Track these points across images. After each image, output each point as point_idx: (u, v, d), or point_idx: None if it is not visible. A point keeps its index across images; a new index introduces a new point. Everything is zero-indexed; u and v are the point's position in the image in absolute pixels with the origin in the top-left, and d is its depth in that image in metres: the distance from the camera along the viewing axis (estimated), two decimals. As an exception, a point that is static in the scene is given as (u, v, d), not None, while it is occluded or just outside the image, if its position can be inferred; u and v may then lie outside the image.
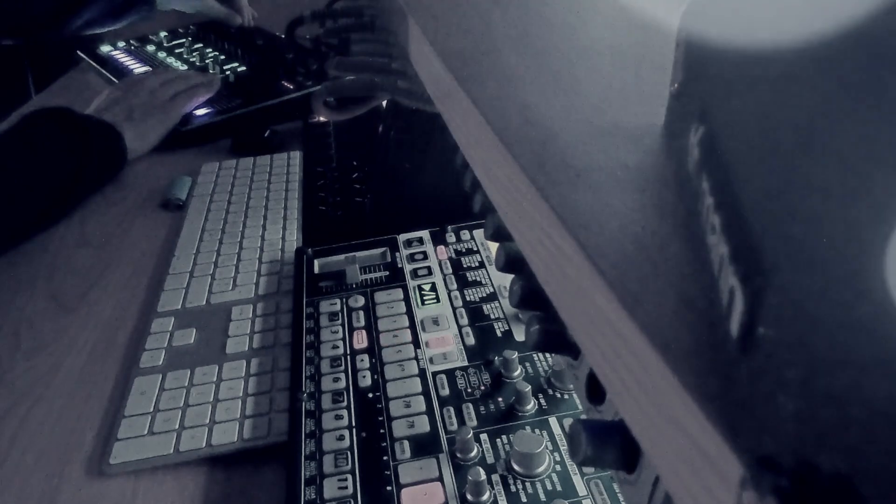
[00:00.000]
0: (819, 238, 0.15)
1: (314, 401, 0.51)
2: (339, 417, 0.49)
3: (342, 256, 0.66)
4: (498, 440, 0.46)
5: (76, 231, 0.81)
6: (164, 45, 1.26)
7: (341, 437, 0.48)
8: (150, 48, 1.25)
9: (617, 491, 0.42)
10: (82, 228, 0.81)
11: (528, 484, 0.43)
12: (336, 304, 0.60)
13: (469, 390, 0.51)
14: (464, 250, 0.66)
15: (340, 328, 0.58)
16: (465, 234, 0.68)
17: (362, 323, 0.58)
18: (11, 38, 1.21)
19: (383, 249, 0.67)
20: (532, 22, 0.36)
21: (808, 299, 0.13)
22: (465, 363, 0.53)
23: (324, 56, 0.89)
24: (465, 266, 0.64)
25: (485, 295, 0.60)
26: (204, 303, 0.65)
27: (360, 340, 0.56)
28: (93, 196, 0.86)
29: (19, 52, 1.30)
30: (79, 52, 1.27)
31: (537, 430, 0.46)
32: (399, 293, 0.61)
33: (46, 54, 1.33)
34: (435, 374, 0.52)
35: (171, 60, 1.20)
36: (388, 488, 0.44)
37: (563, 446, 0.45)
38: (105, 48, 1.27)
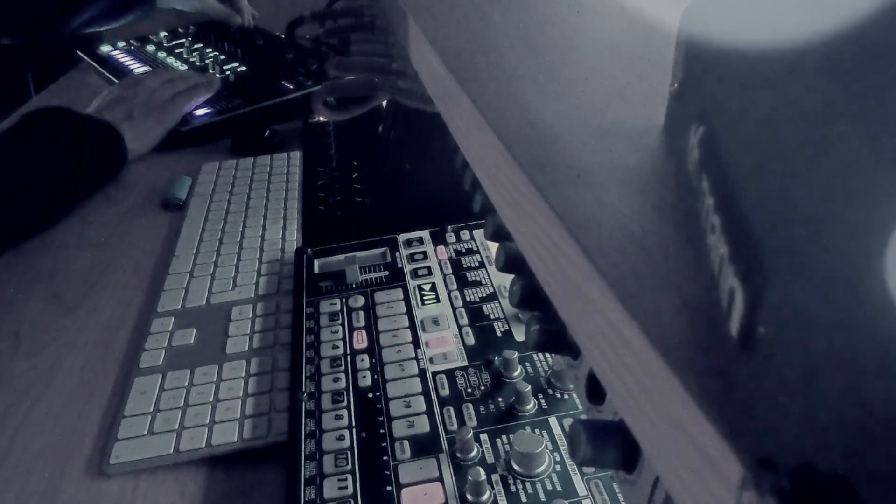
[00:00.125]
0: (819, 238, 0.15)
1: (314, 401, 0.51)
2: (339, 417, 0.49)
3: (342, 256, 0.66)
4: (498, 440, 0.46)
5: (76, 231, 0.81)
6: (164, 45, 1.26)
7: (341, 437, 0.48)
8: (150, 48, 1.25)
9: (617, 491, 0.42)
10: (82, 228, 0.81)
11: (528, 484, 0.43)
12: (336, 304, 0.60)
13: (469, 390, 0.51)
14: (464, 250, 0.66)
15: (340, 328, 0.58)
16: (465, 234, 0.68)
17: (362, 323, 0.58)
18: (11, 38, 1.21)
19: (383, 249, 0.67)
20: (532, 22, 0.36)
21: (807, 299, 0.13)
22: (465, 363, 0.53)
23: (324, 56, 0.89)
24: (465, 266, 0.64)
25: (485, 295, 0.60)
26: (204, 303, 0.65)
27: (360, 340, 0.56)
28: (93, 196, 0.86)
29: (19, 52, 1.30)
30: (79, 52, 1.27)
31: (537, 430, 0.46)
32: (399, 293, 0.61)
33: (46, 54, 1.33)
34: (435, 374, 0.52)
35: (171, 60, 1.20)
36: (388, 488, 0.44)
37: (563, 446, 0.45)
38: (105, 48, 1.27)
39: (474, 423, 0.48)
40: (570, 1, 0.39)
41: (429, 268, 0.64)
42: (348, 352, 0.55)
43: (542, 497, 0.42)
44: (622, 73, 0.29)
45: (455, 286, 0.62)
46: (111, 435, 0.52)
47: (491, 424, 0.48)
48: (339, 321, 0.58)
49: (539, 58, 0.32)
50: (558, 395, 0.49)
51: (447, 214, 0.69)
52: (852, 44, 0.17)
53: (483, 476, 0.42)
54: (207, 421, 0.52)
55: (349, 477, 0.45)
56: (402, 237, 0.68)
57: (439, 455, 0.46)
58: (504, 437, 0.46)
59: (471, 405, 0.49)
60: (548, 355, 0.53)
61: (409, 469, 0.45)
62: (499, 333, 0.56)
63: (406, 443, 0.47)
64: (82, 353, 0.62)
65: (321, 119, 0.93)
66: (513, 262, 0.39)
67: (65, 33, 1.16)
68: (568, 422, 0.47)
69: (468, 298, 0.60)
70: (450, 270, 0.64)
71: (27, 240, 0.78)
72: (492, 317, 0.58)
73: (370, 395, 0.51)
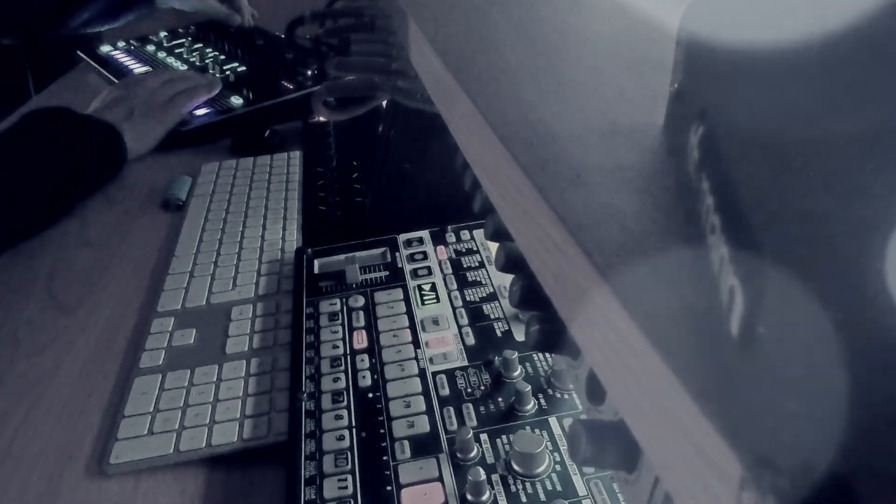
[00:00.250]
0: (819, 238, 0.15)
1: (314, 401, 0.51)
2: (339, 417, 0.49)
3: (342, 256, 0.66)
4: (498, 440, 0.46)
5: (76, 231, 0.81)
6: (164, 45, 1.26)
7: (341, 437, 0.48)
8: (150, 48, 1.25)
9: (617, 491, 0.42)
10: (82, 228, 0.81)
11: (528, 484, 0.43)
12: (336, 304, 0.60)
13: (469, 390, 0.51)
14: (464, 250, 0.66)
15: (340, 328, 0.58)
16: (465, 234, 0.68)
17: (362, 323, 0.58)
18: (11, 38, 1.21)
19: (383, 249, 0.67)
20: (532, 22, 0.36)
21: (807, 299, 0.13)
22: (465, 363, 0.53)
23: (324, 56, 0.89)
24: (465, 266, 0.64)
25: (485, 295, 0.60)
26: (204, 303, 0.65)
27: (360, 340, 0.56)
28: (93, 196, 0.86)
29: (19, 52, 1.30)
30: (79, 52, 1.27)
31: (537, 430, 0.46)
32: (399, 293, 0.61)
33: (46, 54, 1.33)
34: (435, 374, 0.52)
35: (171, 60, 1.20)
36: (388, 488, 0.44)
37: (563, 446, 0.45)
38: (105, 48, 1.27)
39: (474, 423, 0.48)
40: (570, 1, 0.39)
41: (429, 268, 0.64)
42: (348, 352, 0.55)
43: (542, 497, 0.42)
44: (622, 73, 0.29)
45: (455, 286, 0.62)
46: (111, 435, 0.52)
47: (491, 424, 0.48)
48: (339, 321, 0.58)
49: (539, 58, 0.32)
50: (558, 395, 0.49)
51: (447, 214, 0.69)
52: (852, 43, 0.17)
53: (483, 476, 0.42)
54: (207, 421, 0.52)
55: (349, 477, 0.45)
56: (402, 237, 0.68)
57: (439, 455, 0.46)
58: (504, 437, 0.46)
59: (471, 405, 0.49)
60: (548, 355, 0.53)
61: (409, 469, 0.45)
62: (499, 333, 0.56)
63: (406, 443, 0.47)
64: (82, 353, 0.62)
65: (321, 119, 0.93)
66: (513, 262, 0.39)
67: (65, 33, 1.16)
68: (568, 422, 0.47)
69: (468, 298, 0.60)
70: (450, 270, 0.64)
71: (27, 240, 0.78)
72: (492, 317, 0.58)
73: (370, 395, 0.51)
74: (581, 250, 0.19)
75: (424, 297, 0.60)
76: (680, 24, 0.22)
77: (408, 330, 0.57)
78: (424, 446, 0.46)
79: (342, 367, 0.54)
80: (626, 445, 0.26)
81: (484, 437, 0.47)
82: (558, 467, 0.44)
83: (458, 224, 0.69)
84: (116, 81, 1.10)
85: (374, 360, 0.54)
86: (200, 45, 1.24)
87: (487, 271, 0.63)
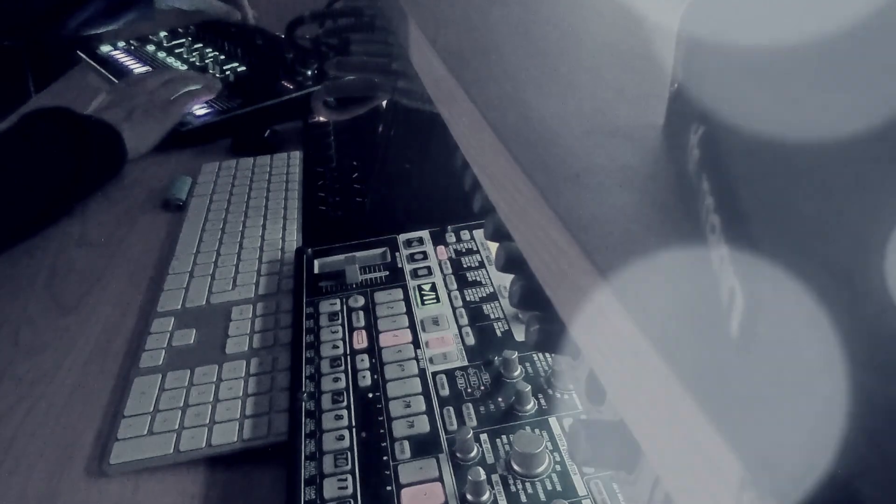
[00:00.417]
0: (819, 237, 0.15)
1: (314, 401, 0.51)
2: (339, 417, 0.49)
3: (342, 256, 0.66)
4: (498, 440, 0.46)
5: (76, 231, 0.81)
6: (164, 45, 1.26)
7: (341, 437, 0.48)
8: (150, 48, 1.25)
9: (617, 491, 0.42)
10: (82, 228, 0.81)
11: (528, 484, 0.43)
12: (336, 304, 0.60)
13: (469, 390, 0.51)
14: (464, 250, 0.66)
15: (340, 328, 0.58)
16: (465, 234, 0.68)
17: (362, 323, 0.58)
18: (11, 38, 1.21)
19: (383, 249, 0.67)
20: (532, 22, 0.36)
21: (807, 299, 0.13)
22: (465, 363, 0.53)
23: (324, 56, 0.89)
24: (465, 266, 0.64)
25: (485, 295, 0.60)
26: (204, 303, 0.65)
27: (360, 340, 0.56)
28: (93, 196, 0.86)
29: (19, 52, 1.30)
30: (79, 52, 1.27)
31: (537, 430, 0.46)
32: (399, 293, 0.61)
33: (46, 54, 1.33)
34: (435, 374, 0.52)
35: (171, 60, 1.19)
36: (388, 488, 0.44)
37: (563, 446, 0.45)
38: (105, 48, 1.27)
39: (474, 423, 0.48)
40: (570, 1, 0.39)
41: (429, 268, 0.64)
42: (348, 352, 0.55)
43: (542, 497, 0.42)
44: (622, 73, 0.29)
45: (455, 286, 0.62)
46: (111, 435, 0.52)
47: (491, 424, 0.48)
48: (339, 321, 0.58)
49: (539, 58, 0.32)
50: (558, 395, 0.49)
51: (447, 214, 0.69)
52: (852, 42, 0.17)
53: (483, 476, 0.42)
54: (207, 421, 0.52)
55: (349, 477, 0.45)
56: (402, 237, 0.68)
57: (439, 455, 0.46)
58: (504, 437, 0.46)
59: (471, 405, 0.49)
60: (548, 355, 0.53)
61: (409, 469, 0.45)
62: (499, 333, 0.56)
63: (406, 443, 0.47)
64: (82, 353, 0.62)
65: (321, 119, 0.93)
66: (513, 262, 0.39)
67: (65, 34, 1.16)
68: (568, 422, 0.47)
69: (468, 298, 0.60)
70: (450, 270, 0.64)
71: (27, 239, 0.78)
72: (492, 317, 0.58)
73: (370, 395, 0.51)
74: (581, 250, 0.19)
75: (424, 297, 0.60)
76: (680, 24, 0.22)
77: (408, 330, 0.57)
78: (424, 446, 0.46)
79: (342, 367, 0.54)
80: (626, 445, 0.26)
81: (484, 437, 0.47)
82: (558, 467, 0.44)
83: (458, 224, 0.69)
84: (116, 81, 1.10)
85: (374, 360, 0.54)
86: (200, 45, 1.24)
87: (487, 271, 0.63)
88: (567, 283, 0.21)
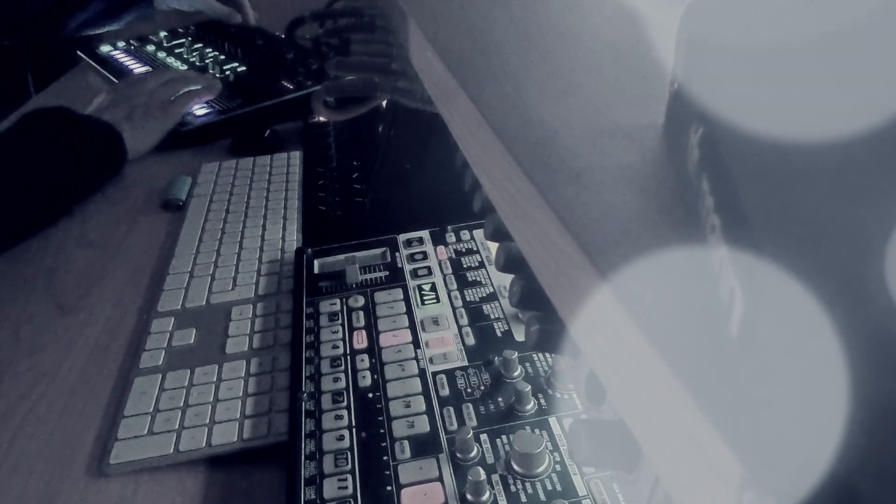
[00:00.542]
0: (819, 237, 0.15)
1: (314, 401, 0.51)
2: (339, 417, 0.49)
3: (342, 256, 0.66)
4: (498, 440, 0.46)
5: (76, 231, 0.81)
6: (164, 45, 1.26)
7: (341, 437, 0.48)
8: (150, 48, 1.25)
9: (617, 491, 0.42)
10: (82, 228, 0.81)
11: (528, 484, 0.43)
12: (336, 304, 0.60)
13: (469, 390, 0.51)
14: (464, 250, 0.66)
15: (340, 328, 0.58)
16: (465, 234, 0.68)
17: (362, 323, 0.58)
18: (11, 38, 1.21)
19: (383, 249, 0.67)
20: (532, 22, 0.36)
21: (807, 299, 0.13)
22: (465, 363, 0.53)
23: (324, 56, 0.89)
24: (465, 266, 0.64)
25: (485, 295, 0.60)
26: (204, 303, 0.65)
27: (360, 340, 0.56)
28: (93, 196, 0.86)
29: (19, 52, 1.30)
30: (79, 52, 1.27)
31: (537, 430, 0.46)
32: (399, 293, 0.61)
33: (46, 54, 1.33)
34: (435, 374, 0.52)
35: (171, 60, 1.19)
36: (388, 488, 0.44)
37: (563, 446, 0.45)
38: (105, 48, 1.27)
39: (474, 423, 0.48)
40: (571, 1, 0.39)
41: (429, 268, 0.64)
42: (348, 352, 0.55)
43: (542, 497, 0.42)
44: (622, 73, 0.29)
45: (455, 286, 0.62)
46: (111, 435, 0.52)
47: (491, 424, 0.48)
48: (339, 321, 0.58)
49: (539, 58, 0.32)
50: (558, 395, 0.49)
51: (447, 214, 0.69)
52: (852, 41, 0.17)
53: (483, 476, 0.42)
54: (207, 421, 0.52)
55: (349, 477, 0.45)
56: (402, 237, 0.68)
57: (439, 455, 0.46)
58: (504, 437, 0.46)
59: (471, 405, 0.49)
60: (548, 355, 0.52)
61: (409, 469, 0.45)
62: (499, 333, 0.56)
63: (406, 443, 0.47)
64: (82, 353, 0.62)
65: (321, 119, 0.93)
66: (513, 262, 0.39)
67: (64, 34, 1.16)
68: (568, 422, 0.47)
69: (468, 298, 0.60)
70: (450, 270, 0.64)
71: (26, 239, 0.78)
72: (492, 317, 0.58)
73: (370, 395, 0.51)
74: (581, 250, 0.19)
75: (424, 297, 0.60)
76: (680, 24, 0.22)
77: (408, 330, 0.57)
78: (424, 446, 0.46)
79: (342, 367, 0.54)
80: (626, 445, 0.26)
81: (484, 437, 0.47)
82: (558, 467, 0.44)
83: (458, 224, 0.69)
84: (116, 81, 1.10)
85: (374, 360, 0.54)
86: (200, 45, 1.24)
87: (487, 271, 0.63)
88: (567, 283, 0.21)
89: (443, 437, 0.47)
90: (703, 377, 0.15)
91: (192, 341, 0.60)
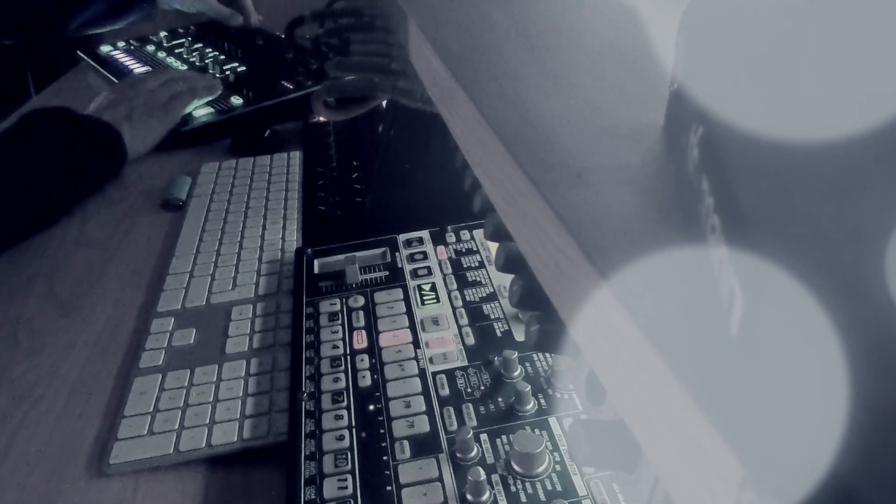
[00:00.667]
0: (819, 237, 0.15)
1: (314, 401, 0.51)
2: (339, 417, 0.49)
3: (342, 256, 0.66)
4: (498, 440, 0.46)
5: (76, 231, 0.81)
6: (164, 45, 1.26)
7: (341, 437, 0.48)
8: (150, 48, 1.25)
9: (617, 491, 0.42)
10: (82, 228, 0.81)
11: (528, 484, 0.43)
12: (336, 304, 0.60)
13: (469, 390, 0.51)
14: (464, 250, 0.66)
15: (340, 328, 0.58)
16: (465, 234, 0.68)
17: (362, 323, 0.58)
18: (11, 38, 1.21)
19: (383, 249, 0.67)
20: (532, 22, 0.36)
21: (807, 299, 0.13)
22: (465, 363, 0.53)
23: (324, 56, 0.89)
24: (465, 266, 0.64)
25: (485, 295, 0.60)
26: (204, 303, 0.65)
27: (360, 340, 0.56)
28: (93, 196, 0.86)
29: (19, 52, 1.30)
30: (79, 52, 1.27)
31: (537, 430, 0.46)
32: (399, 293, 0.61)
33: (46, 54, 1.33)
34: (435, 374, 0.52)
35: (171, 60, 1.19)
36: (388, 488, 0.44)
37: (563, 446, 0.45)
38: (105, 48, 1.27)
39: (474, 423, 0.48)
40: (570, 1, 0.39)
41: (429, 268, 0.64)
42: (348, 352, 0.55)
43: (542, 497, 0.42)
44: (622, 73, 0.29)
45: (455, 286, 0.62)
46: (111, 435, 0.52)
47: (491, 424, 0.48)
48: (339, 321, 0.58)
49: (539, 58, 0.32)
50: (558, 395, 0.49)
51: (447, 214, 0.69)
52: (852, 42, 0.17)
53: (483, 476, 0.42)
54: (207, 421, 0.52)
55: (349, 477, 0.45)
56: (402, 237, 0.68)
57: (439, 455, 0.46)
58: (504, 437, 0.46)
59: (471, 405, 0.49)
60: (548, 355, 0.52)
61: (408, 469, 0.45)
62: (499, 333, 0.56)
63: (406, 443, 0.47)
64: (82, 353, 0.62)
65: (321, 119, 0.93)
66: (513, 262, 0.39)
67: (66, 34, 1.16)
68: (568, 422, 0.47)
69: (468, 298, 0.60)
70: (450, 270, 0.64)
71: (27, 240, 0.78)
72: (492, 317, 0.58)
73: (370, 395, 0.51)
74: (581, 250, 0.19)
75: (424, 297, 0.60)
76: (680, 23, 0.22)
77: (408, 330, 0.57)
78: (424, 446, 0.46)
79: (342, 367, 0.54)
80: (626, 445, 0.26)
81: (484, 437, 0.47)
82: (558, 467, 0.44)
83: (458, 224, 0.69)
84: (116, 81, 1.10)
85: (373, 360, 0.54)
86: (200, 45, 1.24)
87: (487, 271, 0.63)
88: (567, 283, 0.21)
89: (443, 437, 0.47)
90: (703, 377, 0.15)
91: (192, 341, 0.60)
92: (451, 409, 0.49)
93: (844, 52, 0.17)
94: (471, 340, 0.55)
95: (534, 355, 0.53)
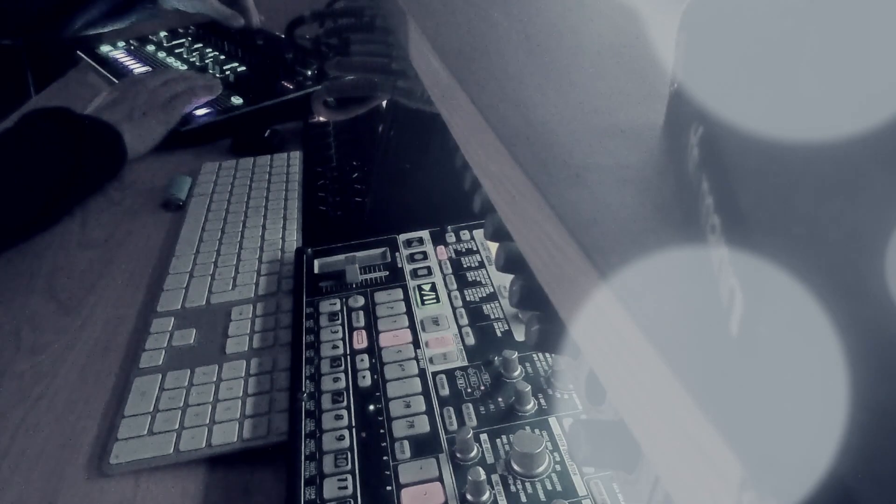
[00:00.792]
0: (819, 237, 0.15)
1: (314, 401, 0.51)
2: (339, 417, 0.49)
3: (342, 256, 0.66)
4: (498, 440, 0.46)
5: (76, 231, 0.81)
6: (164, 45, 1.26)
7: (341, 437, 0.48)
8: (150, 48, 1.25)
9: (617, 491, 0.42)
10: (82, 228, 0.81)
11: (527, 484, 0.43)
12: (336, 304, 0.60)
13: (469, 390, 0.51)
14: (464, 250, 0.66)
15: (340, 328, 0.58)
16: (465, 234, 0.68)
17: (362, 323, 0.58)
18: (11, 38, 1.21)
19: (383, 249, 0.67)
20: (532, 22, 0.36)
21: (807, 299, 0.13)
22: (465, 363, 0.53)
23: (324, 56, 0.89)
24: (465, 266, 0.64)
25: (485, 295, 0.60)
26: (204, 303, 0.65)
27: (360, 340, 0.56)
28: (93, 196, 0.86)
29: (19, 52, 1.30)
30: (79, 52, 1.27)
31: (537, 430, 0.46)
32: (399, 293, 0.61)
33: (46, 54, 1.33)
34: (435, 374, 0.52)
35: (171, 60, 1.19)
36: (388, 488, 0.44)
37: (563, 446, 0.45)
38: (105, 48, 1.27)
39: (474, 423, 0.48)
40: (570, 1, 0.39)
41: (429, 268, 0.64)
42: (348, 352, 0.55)
43: (542, 497, 0.42)
44: (622, 72, 0.29)
45: (455, 286, 0.62)
46: (111, 435, 0.52)
47: (491, 424, 0.48)
48: (339, 321, 0.58)
49: (539, 58, 0.32)
50: (558, 395, 0.49)
51: (447, 214, 0.69)
52: (851, 42, 0.17)
53: (483, 476, 0.42)
54: (207, 421, 0.52)
55: (349, 477, 0.45)
56: (402, 237, 0.68)
57: (439, 455, 0.46)
58: (504, 437, 0.46)
59: (471, 405, 0.49)
60: (548, 355, 0.53)
61: (408, 469, 0.45)
62: (499, 333, 0.56)
63: (406, 443, 0.47)
64: (82, 353, 0.62)
65: (321, 119, 0.93)
66: (513, 262, 0.39)
67: (67, 34, 1.16)
68: (568, 422, 0.47)
69: (468, 298, 0.60)
70: (450, 270, 0.64)
71: (27, 240, 0.78)
72: (492, 317, 0.58)
73: (370, 395, 0.51)
74: (581, 250, 0.19)
75: (424, 297, 0.60)
76: (680, 23, 0.22)
77: (408, 330, 0.57)
78: (424, 446, 0.46)
79: (342, 367, 0.54)
80: (626, 445, 0.26)
81: (484, 437, 0.47)
82: (558, 467, 0.44)
83: (458, 224, 0.69)
84: (116, 81, 1.10)
85: (374, 360, 0.54)
86: (200, 45, 1.24)
87: (487, 271, 0.63)
88: (567, 283, 0.21)
89: (443, 437, 0.47)
90: (703, 377, 0.15)
91: (191, 341, 0.60)
92: (451, 409, 0.49)
93: (844, 51, 0.17)
94: (471, 340, 0.55)
95: (534, 355, 0.53)
